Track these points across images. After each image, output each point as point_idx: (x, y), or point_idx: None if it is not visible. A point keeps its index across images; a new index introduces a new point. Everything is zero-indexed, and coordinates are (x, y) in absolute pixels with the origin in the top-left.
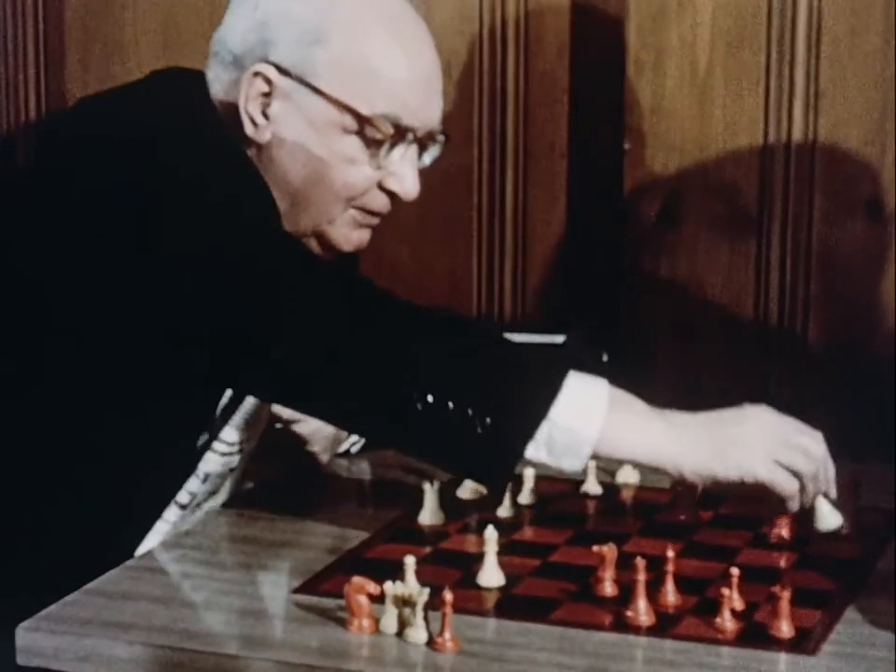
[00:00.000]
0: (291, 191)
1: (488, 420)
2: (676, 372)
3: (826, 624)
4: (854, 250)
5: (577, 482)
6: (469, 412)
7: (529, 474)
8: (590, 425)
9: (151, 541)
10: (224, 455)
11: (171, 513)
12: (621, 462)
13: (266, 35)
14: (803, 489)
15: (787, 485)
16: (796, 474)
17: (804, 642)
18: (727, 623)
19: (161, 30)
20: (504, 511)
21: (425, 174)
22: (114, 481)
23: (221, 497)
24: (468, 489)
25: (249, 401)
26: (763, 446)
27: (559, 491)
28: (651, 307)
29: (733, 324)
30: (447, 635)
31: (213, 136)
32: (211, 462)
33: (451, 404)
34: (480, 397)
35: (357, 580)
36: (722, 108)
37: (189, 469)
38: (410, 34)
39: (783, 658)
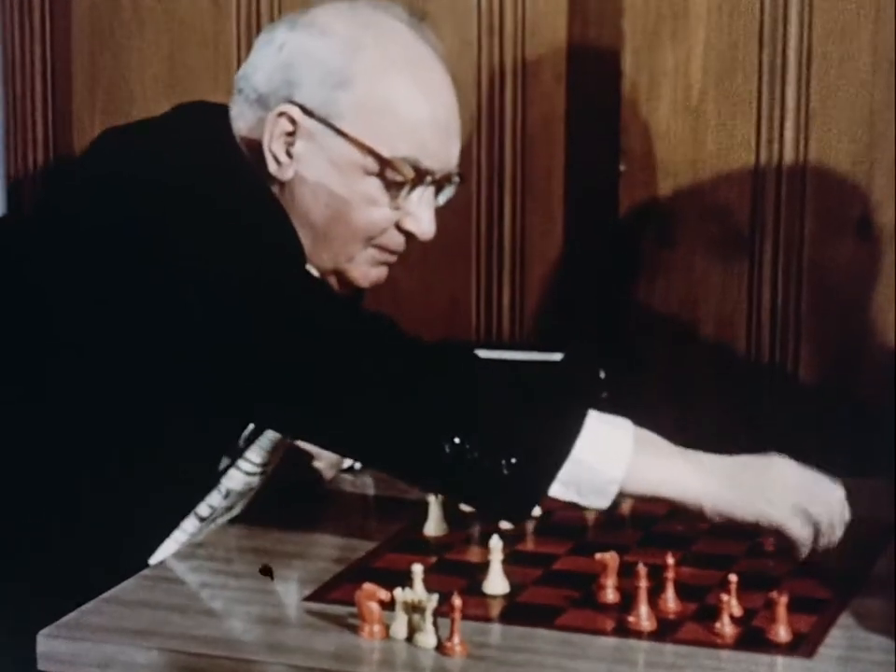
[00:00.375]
0: (312, 229)
1: (513, 461)
2: (672, 389)
3: (822, 629)
4: (844, 269)
5: None
6: (495, 453)
7: None
8: (615, 464)
9: (166, 550)
10: (248, 474)
11: (189, 524)
12: (643, 498)
13: (291, 76)
14: (817, 537)
15: (802, 533)
16: (813, 523)
17: (801, 646)
18: (726, 627)
19: (167, 55)
20: (505, 524)
21: None
22: (132, 495)
23: (235, 511)
24: None
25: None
26: (783, 493)
27: (559, 504)
28: (648, 325)
29: (726, 341)
30: (456, 639)
31: (237, 171)
32: (234, 479)
33: (477, 445)
34: (505, 438)
35: (368, 586)
36: (715, 132)
37: (210, 485)
38: (431, 78)
39: (781, 661)
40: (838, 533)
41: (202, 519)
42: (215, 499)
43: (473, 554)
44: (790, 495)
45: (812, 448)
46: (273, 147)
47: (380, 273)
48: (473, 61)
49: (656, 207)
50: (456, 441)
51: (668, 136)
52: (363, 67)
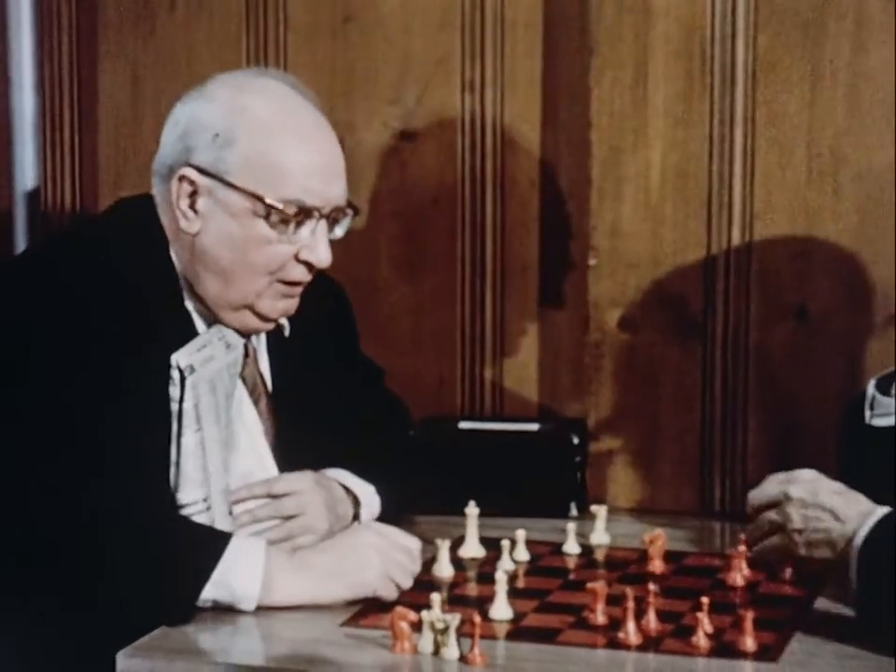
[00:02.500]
0: (222, 272)
1: (159, 586)
2: (635, 456)
3: (781, 642)
4: (785, 349)
5: (559, 543)
6: (148, 581)
7: (521, 535)
8: (249, 588)
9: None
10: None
11: None
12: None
13: (187, 143)
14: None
15: (388, 589)
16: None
17: (766, 654)
18: (701, 641)
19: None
20: (503, 565)
21: (419, 290)
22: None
23: None
24: (469, 549)
25: (188, 461)
26: (373, 565)
27: (545, 551)
28: (614, 401)
29: (683, 414)
30: (476, 650)
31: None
32: None
33: (135, 574)
34: (155, 568)
35: (400, 609)
36: (672, 230)
37: None
38: (309, 128)
39: (750, 666)
40: (414, 570)
41: None
42: None
43: (477, 590)
44: (377, 563)
45: None
46: (181, 206)
47: (287, 305)
48: (458, 170)
49: (621, 296)
50: (122, 571)
51: (631, 235)
52: (245, 125)
